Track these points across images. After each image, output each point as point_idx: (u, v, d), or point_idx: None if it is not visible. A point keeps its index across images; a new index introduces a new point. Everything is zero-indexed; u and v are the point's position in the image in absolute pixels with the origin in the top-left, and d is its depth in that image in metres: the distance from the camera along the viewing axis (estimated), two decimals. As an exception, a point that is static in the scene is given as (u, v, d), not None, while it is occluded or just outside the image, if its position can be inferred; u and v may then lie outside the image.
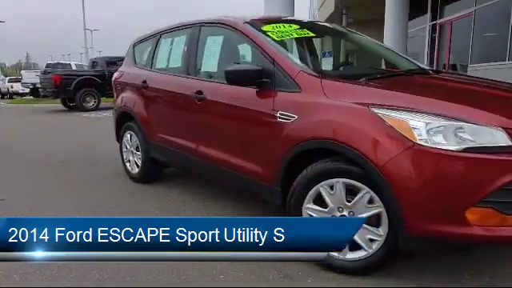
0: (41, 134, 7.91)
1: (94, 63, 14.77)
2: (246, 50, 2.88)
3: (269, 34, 2.68)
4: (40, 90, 14.23)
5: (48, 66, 19.78)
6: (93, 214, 3.21)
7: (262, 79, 2.42)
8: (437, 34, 12.78)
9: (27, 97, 23.07)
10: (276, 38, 2.66)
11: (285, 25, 2.87)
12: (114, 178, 4.27)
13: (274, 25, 2.84)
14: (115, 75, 4.36)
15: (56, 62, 21.56)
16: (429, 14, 13.15)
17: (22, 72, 24.01)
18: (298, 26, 2.92)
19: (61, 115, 12.12)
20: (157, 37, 3.83)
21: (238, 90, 2.60)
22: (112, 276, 2.21)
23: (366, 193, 1.95)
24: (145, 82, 3.71)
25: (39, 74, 15.83)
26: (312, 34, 2.89)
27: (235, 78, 2.47)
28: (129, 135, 4.09)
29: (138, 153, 3.96)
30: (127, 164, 4.20)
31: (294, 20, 3.15)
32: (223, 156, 2.82)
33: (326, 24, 3.20)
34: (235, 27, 2.80)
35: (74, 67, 19.90)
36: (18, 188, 4.00)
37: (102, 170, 4.70)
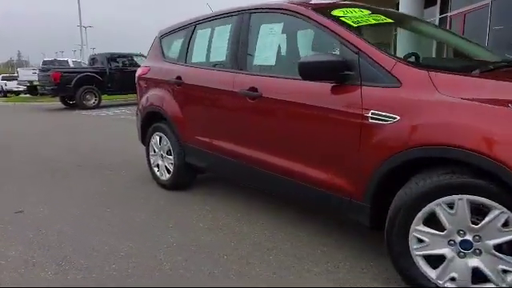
0: (47, 134, 7.45)
1: (93, 60, 14.28)
2: (313, 39, 2.49)
3: (343, 19, 2.30)
4: (38, 87, 13.68)
5: (45, 63, 19.19)
6: (128, 229, 2.81)
7: (344, 72, 2.04)
8: (447, 27, 12.45)
9: (23, 95, 22.45)
10: (353, 25, 2.27)
11: (355, 9, 2.49)
12: (140, 185, 3.86)
13: (344, 9, 2.45)
14: (139, 71, 3.94)
15: (53, 59, 20.93)
16: (438, 7, 12.82)
17: (19, 69, 23.29)
18: (370, 12, 2.54)
19: (61, 114, 11.63)
20: (190, 27, 3.42)
21: (306, 86, 2.23)
22: None
23: (500, 213, 1.57)
24: (179, 78, 3.31)
25: (37, 71, 15.29)
26: (389, 20, 2.51)
27: (312, 71, 2.09)
28: (158, 137, 3.69)
29: (170, 157, 3.55)
30: (155, 169, 3.80)
31: (357, 4, 2.76)
32: (285, 163, 2.43)
33: (392, 10, 2.81)
34: (300, 13, 2.40)
35: (71, 64, 19.32)
36: (36, 197, 3.58)
37: (123, 175, 4.28)
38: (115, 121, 9.52)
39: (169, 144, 3.53)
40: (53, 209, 3.27)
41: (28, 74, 18.44)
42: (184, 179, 3.57)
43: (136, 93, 4.07)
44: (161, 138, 3.65)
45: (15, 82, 23.50)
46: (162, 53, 3.76)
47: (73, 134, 7.30)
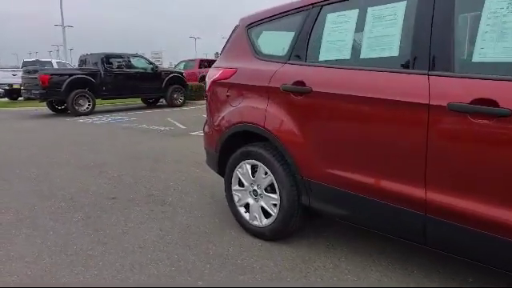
0: (49, 148, 6.11)
1: (83, 61, 12.89)
2: None
3: None
4: (23, 91, 12.16)
5: (25, 64, 17.54)
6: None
7: None
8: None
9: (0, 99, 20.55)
10: None
11: None
12: (219, 233, 2.77)
13: None
14: (216, 74, 2.83)
15: (34, 59, 19.20)
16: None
17: (-5, 71, 21.32)
18: None
19: (54, 121, 10.22)
20: (311, 11, 2.36)
21: None
22: None
23: None
24: (300, 83, 2.25)
25: (20, 73, 13.79)
26: None
27: None
28: (248, 166, 2.61)
29: (272, 195, 2.49)
30: (241, 210, 2.73)
31: None
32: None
33: None
34: None
35: (55, 65, 17.72)
36: (73, 257, 2.43)
37: (183, 213, 3.17)
38: (120, 129, 8.28)
39: (271, 177, 2.47)
40: (109, 280, 2.15)
41: (7, 76, 16.68)
42: (294, 226, 2.51)
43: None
44: (254, 167, 2.58)
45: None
46: (253, 48, 2.68)
47: (82, 148, 6.03)
